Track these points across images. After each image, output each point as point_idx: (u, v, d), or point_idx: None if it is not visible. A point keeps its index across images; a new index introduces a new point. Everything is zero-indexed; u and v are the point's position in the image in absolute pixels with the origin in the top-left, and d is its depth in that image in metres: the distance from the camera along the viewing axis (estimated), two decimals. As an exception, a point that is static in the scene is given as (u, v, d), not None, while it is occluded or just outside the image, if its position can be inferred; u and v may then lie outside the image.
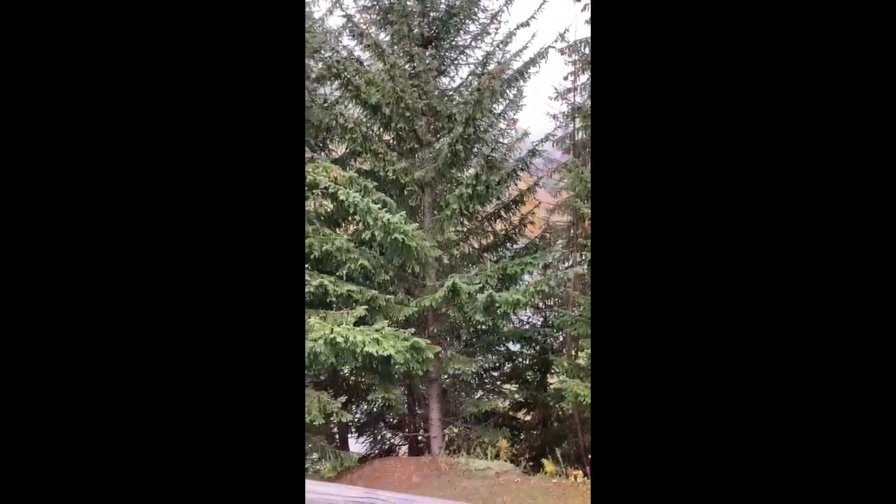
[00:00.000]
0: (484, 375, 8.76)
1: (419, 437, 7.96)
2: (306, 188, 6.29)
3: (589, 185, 6.49)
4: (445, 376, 7.44)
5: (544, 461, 6.27)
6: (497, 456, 6.72)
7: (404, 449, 8.85)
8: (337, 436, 8.32)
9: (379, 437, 9.05)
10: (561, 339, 8.99)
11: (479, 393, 8.86)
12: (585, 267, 7.62)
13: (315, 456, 7.39)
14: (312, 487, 1.19)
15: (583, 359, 7.46)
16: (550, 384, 9.11)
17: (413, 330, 6.42)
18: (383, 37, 7.34)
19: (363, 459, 7.66)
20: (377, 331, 5.96)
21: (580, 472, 5.91)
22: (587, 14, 8.05)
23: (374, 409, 8.72)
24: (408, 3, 7.06)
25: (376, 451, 8.84)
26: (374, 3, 7.27)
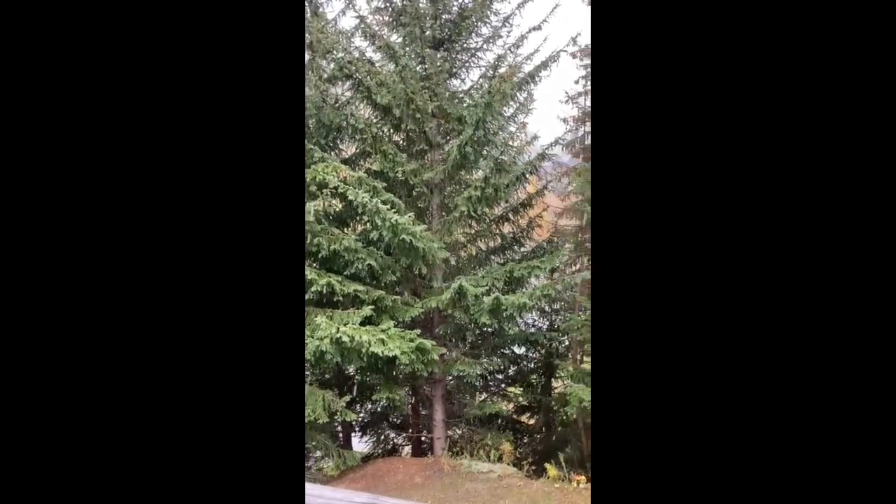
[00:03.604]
0: (489, 378, 8.75)
1: (422, 438, 7.96)
2: (315, 188, 6.33)
3: (598, 190, 6.46)
4: (450, 378, 7.44)
5: (547, 466, 6.26)
6: (500, 459, 6.71)
7: (407, 449, 8.85)
8: (341, 434, 8.35)
9: (382, 437, 9.07)
10: (566, 343, 8.96)
11: (484, 395, 8.85)
12: (593, 272, 7.58)
13: (318, 454, 7.41)
14: (317, 491, 1.20)
15: (588, 364, 7.43)
16: (555, 388, 9.07)
17: (419, 331, 6.43)
18: (395, 38, 7.37)
19: (366, 459, 7.68)
20: (383, 331, 5.98)
21: (583, 477, 5.88)
22: (599, 18, 8.02)
23: (379, 409, 8.74)
24: (420, 5, 7.09)
25: (379, 451, 8.86)
26: (387, 4, 7.31)
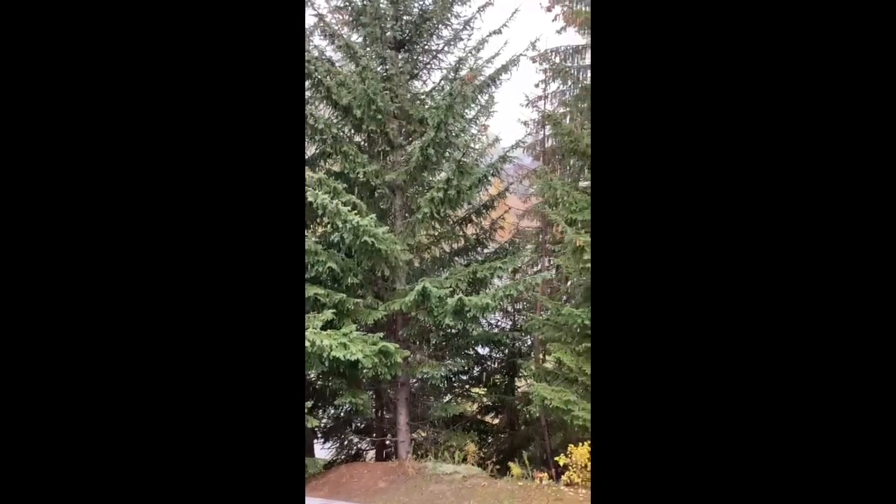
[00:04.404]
0: (453, 379, 8.76)
1: (387, 442, 7.89)
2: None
3: (557, 192, 6.61)
4: (414, 380, 7.41)
5: (511, 464, 6.33)
6: (464, 460, 6.73)
7: (371, 454, 8.75)
8: (302, 441, 8.15)
9: (346, 443, 8.92)
10: (529, 342, 9.10)
11: (448, 397, 8.86)
12: (553, 272, 7.74)
13: (279, 462, 7.19)
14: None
15: (550, 362, 7.57)
16: (518, 388, 9.19)
17: (382, 334, 6.36)
18: (355, 38, 7.28)
19: (329, 465, 7.53)
20: (344, 335, 5.89)
21: (545, 474, 5.98)
22: (558, 24, 8.23)
23: (341, 414, 8.60)
24: (381, 5, 7.04)
25: (343, 457, 8.71)
26: (347, 3, 7.21)
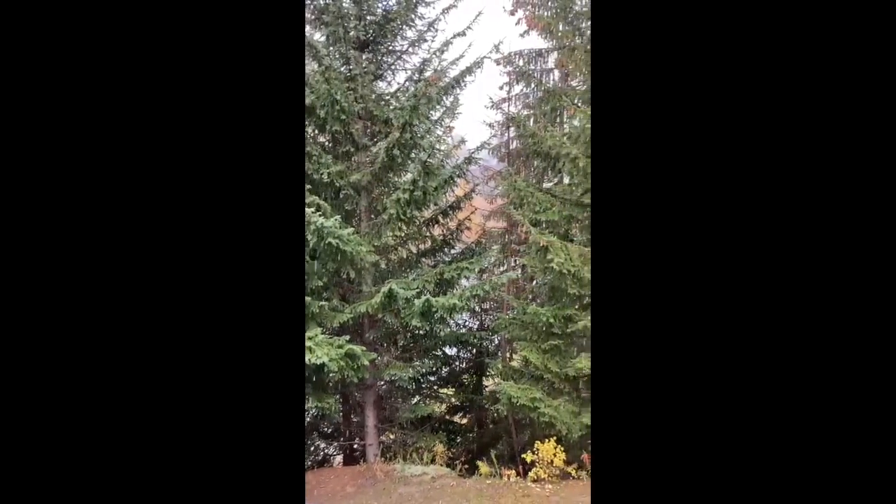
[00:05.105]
0: (421, 380, 8.74)
1: (355, 446, 7.79)
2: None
3: (521, 193, 6.70)
4: (382, 383, 7.35)
5: (479, 463, 6.37)
6: (433, 460, 6.73)
7: (339, 458, 8.62)
8: (267, 449, 7.95)
9: (313, 448, 8.76)
10: (496, 342, 9.19)
11: (416, 398, 8.83)
12: (519, 272, 7.85)
13: (243, 471, 6.99)
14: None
15: (516, 361, 7.67)
16: (486, 387, 9.27)
17: (348, 337, 6.29)
18: (318, 37, 7.18)
19: (295, 472, 7.36)
20: (310, 338, 5.79)
21: (513, 471, 6.06)
22: (521, 27, 8.36)
23: (308, 419, 8.44)
24: (343, 4, 6.96)
25: (309, 463, 8.55)
26: (309, 2, 7.10)
